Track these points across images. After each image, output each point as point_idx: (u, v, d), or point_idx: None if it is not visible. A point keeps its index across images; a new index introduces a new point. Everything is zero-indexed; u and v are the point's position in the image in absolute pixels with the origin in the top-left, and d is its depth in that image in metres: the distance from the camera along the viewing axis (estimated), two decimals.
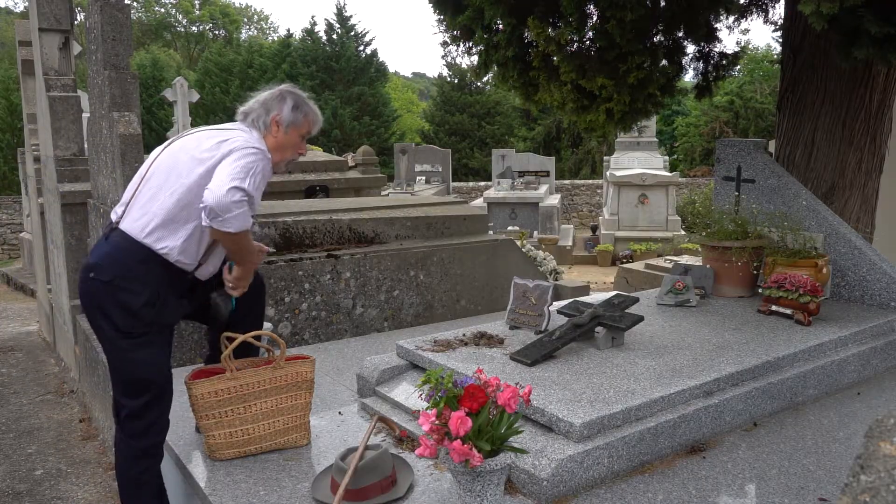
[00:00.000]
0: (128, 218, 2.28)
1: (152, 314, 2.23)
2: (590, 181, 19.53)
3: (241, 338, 2.33)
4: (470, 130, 25.87)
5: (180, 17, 39.81)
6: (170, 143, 2.42)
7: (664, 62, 4.25)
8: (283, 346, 2.38)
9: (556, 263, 7.94)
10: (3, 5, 39.13)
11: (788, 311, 3.05)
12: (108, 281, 2.20)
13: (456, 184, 18.44)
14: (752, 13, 4.47)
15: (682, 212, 12.92)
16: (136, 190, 2.34)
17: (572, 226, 15.81)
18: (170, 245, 2.24)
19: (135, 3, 36.07)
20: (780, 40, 4.62)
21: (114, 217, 2.34)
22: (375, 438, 2.42)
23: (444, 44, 4.68)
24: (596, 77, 3.99)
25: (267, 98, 2.47)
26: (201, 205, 2.14)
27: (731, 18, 4.38)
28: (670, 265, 6.14)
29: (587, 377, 2.39)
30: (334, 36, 26.79)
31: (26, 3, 23.24)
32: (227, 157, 2.23)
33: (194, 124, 14.77)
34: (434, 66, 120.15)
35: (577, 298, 3.36)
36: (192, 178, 2.25)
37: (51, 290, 6.06)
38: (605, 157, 16.74)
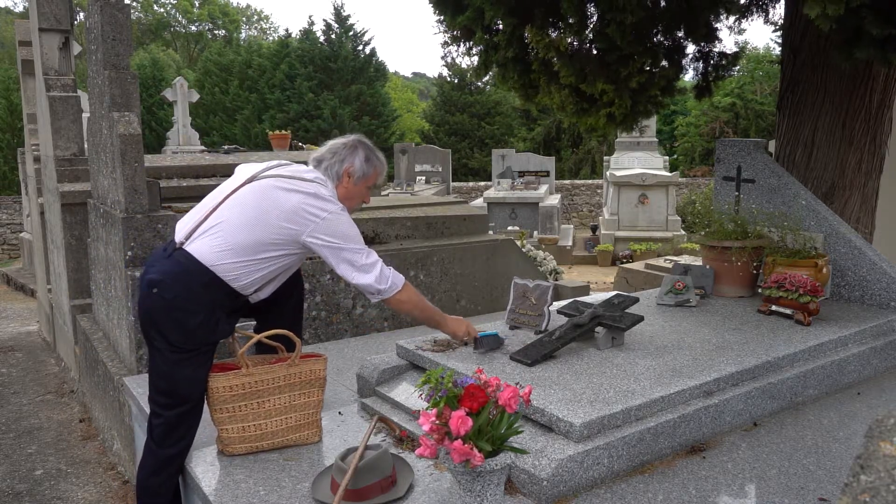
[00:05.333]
0: (198, 241, 2.32)
1: (205, 333, 2.31)
2: (590, 181, 19.52)
3: (256, 337, 2.38)
4: (470, 130, 25.85)
5: (179, 17, 39.80)
6: (253, 177, 2.42)
7: (664, 63, 4.24)
8: (298, 344, 2.41)
9: (556, 263, 7.94)
10: (3, 5, 39.15)
11: (788, 311, 3.05)
12: (170, 299, 2.26)
13: (456, 184, 18.44)
14: (752, 13, 4.46)
15: (682, 212, 12.92)
16: (209, 214, 2.36)
17: (572, 226, 15.80)
18: (236, 276, 2.33)
19: (135, 3, 36.07)
20: (780, 40, 4.62)
21: (179, 236, 2.37)
22: (375, 438, 2.42)
23: (445, 44, 4.68)
24: (596, 81, 3.98)
25: (339, 148, 2.54)
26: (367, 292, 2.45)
27: (732, 19, 4.37)
28: (670, 265, 6.14)
29: (587, 377, 2.39)
30: (332, 36, 26.76)
31: (26, 3, 23.24)
32: (316, 233, 2.34)
33: (194, 124, 14.79)
34: (434, 66, 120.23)
35: (577, 298, 3.36)
36: (272, 224, 2.33)
37: (51, 290, 6.05)
38: (605, 157, 16.74)
